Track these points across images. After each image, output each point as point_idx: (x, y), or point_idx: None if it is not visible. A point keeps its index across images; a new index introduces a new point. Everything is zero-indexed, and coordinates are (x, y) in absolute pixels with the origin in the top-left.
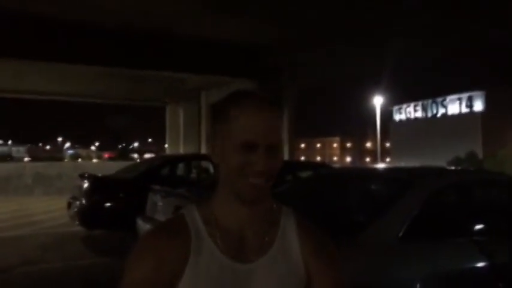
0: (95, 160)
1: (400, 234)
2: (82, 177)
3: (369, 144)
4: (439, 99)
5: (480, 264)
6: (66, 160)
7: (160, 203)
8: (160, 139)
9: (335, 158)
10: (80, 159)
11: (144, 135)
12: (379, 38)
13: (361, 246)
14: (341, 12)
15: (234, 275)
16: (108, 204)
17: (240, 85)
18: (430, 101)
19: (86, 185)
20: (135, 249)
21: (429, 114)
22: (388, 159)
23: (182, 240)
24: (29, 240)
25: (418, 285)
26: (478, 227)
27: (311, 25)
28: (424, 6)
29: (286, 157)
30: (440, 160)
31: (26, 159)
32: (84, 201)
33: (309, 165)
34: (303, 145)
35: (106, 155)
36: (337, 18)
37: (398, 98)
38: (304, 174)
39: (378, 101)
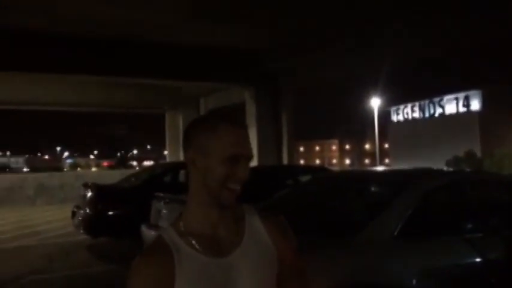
0: (94, 169)
1: (396, 233)
2: (86, 186)
3: (367, 146)
4: (436, 99)
5: (473, 261)
6: (65, 169)
7: (164, 210)
8: (159, 146)
9: (334, 161)
10: (78, 168)
11: (143, 142)
12: (376, 40)
13: (358, 246)
14: (337, 14)
15: (220, 269)
16: (112, 212)
17: (237, 91)
18: (427, 101)
19: (89, 194)
20: (128, 279)
21: (427, 115)
22: (387, 161)
23: (166, 260)
24: (35, 250)
25: (414, 282)
26: (471, 225)
27: (307, 29)
28: (420, 5)
29: (285, 161)
30: (439, 160)
31: (25, 169)
32: (88, 210)
33: (308, 169)
34: (301, 148)
35: (105, 164)
36: (334, 21)
37: (396, 99)
38: (304, 178)
39: (375, 103)
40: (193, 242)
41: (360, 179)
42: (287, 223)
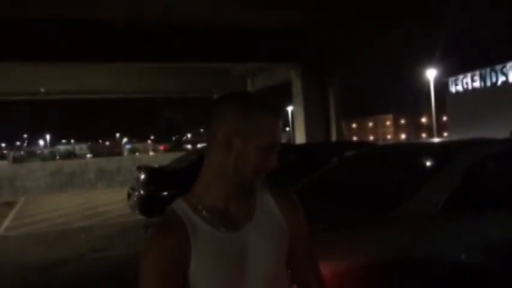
0: (151, 153)
1: (440, 206)
2: (139, 169)
3: (424, 120)
4: (498, 67)
5: None
6: (125, 154)
7: None
8: None
9: (389, 136)
10: (137, 153)
11: (196, 126)
12: (430, 8)
13: (399, 220)
14: None
15: (232, 243)
16: (164, 193)
17: (283, 70)
18: (488, 69)
19: (142, 176)
20: (143, 252)
21: (488, 84)
22: (445, 134)
23: (180, 233)
24: (95, 230)
25: (462, 257)
26: None
27: (355, 3)
28: None
29: (333, 138)
30: (503, 131)
31: (88, 155)
32: (142, 192)
33: (352, 144)
34: (354, 125)
35: (161, 147)
36: None
37: (455, 68)
38: (348, 153)
39: (431, 74)
40: (207, 216)
41: (404, 151)
42: (298, 200)
